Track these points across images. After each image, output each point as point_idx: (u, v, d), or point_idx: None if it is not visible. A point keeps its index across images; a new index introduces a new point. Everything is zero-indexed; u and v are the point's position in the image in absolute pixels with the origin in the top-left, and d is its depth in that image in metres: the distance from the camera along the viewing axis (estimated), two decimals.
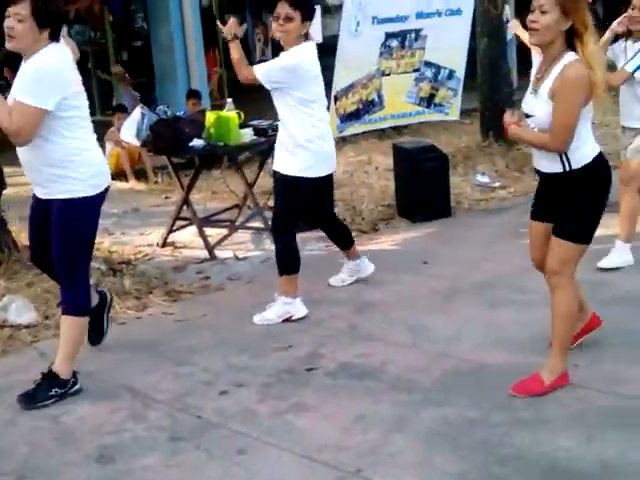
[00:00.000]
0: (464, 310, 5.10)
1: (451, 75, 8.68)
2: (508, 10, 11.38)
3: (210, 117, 6.63)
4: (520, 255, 6.00)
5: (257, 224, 6.84)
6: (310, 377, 4.26)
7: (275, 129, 6.81)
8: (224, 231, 6.84)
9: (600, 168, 3.88)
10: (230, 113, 6.62)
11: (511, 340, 4.56)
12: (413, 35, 8.46)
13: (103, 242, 6.57)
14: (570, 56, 3.69)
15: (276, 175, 5.16)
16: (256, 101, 9.74)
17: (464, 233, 6.82)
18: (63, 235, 4.10)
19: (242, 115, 6.67)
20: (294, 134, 5.03)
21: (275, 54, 5.31)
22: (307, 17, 4.97)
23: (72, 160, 4.04)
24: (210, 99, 11.44)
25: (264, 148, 7.17)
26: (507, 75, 10.30)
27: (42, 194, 4.18)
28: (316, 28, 8.04)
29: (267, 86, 4.99)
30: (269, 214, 7.05)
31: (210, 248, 6.45)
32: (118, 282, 5.74)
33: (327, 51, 8.24)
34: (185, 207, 6.70)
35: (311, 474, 3.37)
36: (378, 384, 4.14)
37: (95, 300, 4.55)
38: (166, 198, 8.31)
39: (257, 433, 3.70)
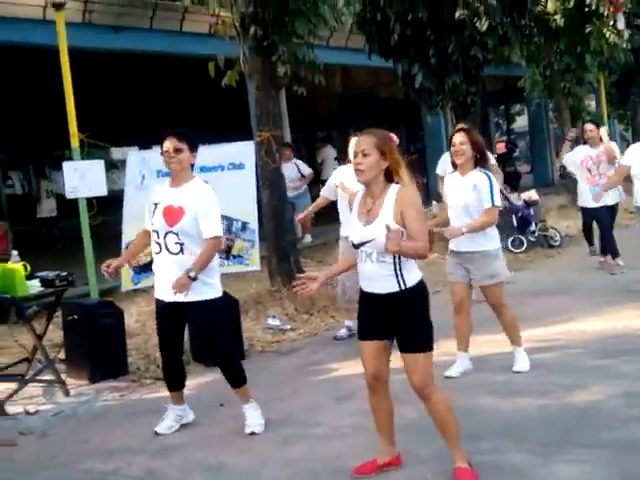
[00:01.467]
0: (261, 448, 5.24)
1: (245, 227, 8.99)
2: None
3: None
4: (311, 391, 6.34)
5: (48, 377, 6.73)
6: None
7: (63, 279, 6.86)
8: (13, 386, 6.66)
9: (424, 284, 4.46)
10: (15, 265, 6.58)
11: (305, 473, 4.74)
12: None
13: None
14: (395, 186, 4.36)
15: (201, 304, 5.38)
16: (43, 253, 9.77)
17: (257, 374, 6.96)
18: None
19: (28, 267, 6.65)
20: (212, 264, 5.45)
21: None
22: (193, 148, 5.46)
23: None
24: None
25: (52, 299, 7.16)
26: (290, 224, 10.86)
27: None
28: (100, 182, 8.24)
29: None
30: (60, 367, 7.01)
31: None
32: None
33: (114, 204, 8.43)
34: None
35: None
36: None
37: None
38: None
39: None
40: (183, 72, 16.46)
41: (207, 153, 8.98)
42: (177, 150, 5.38)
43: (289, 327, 8.55)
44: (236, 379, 5.61)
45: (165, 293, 5.49)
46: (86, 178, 8.17)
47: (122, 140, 18.04)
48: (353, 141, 7.80)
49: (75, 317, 7.21)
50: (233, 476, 4.80)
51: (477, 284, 6.33)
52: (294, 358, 7.47)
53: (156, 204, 5.49)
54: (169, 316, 5.52)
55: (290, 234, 10.57)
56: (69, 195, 8.25)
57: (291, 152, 15.02)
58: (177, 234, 5.37)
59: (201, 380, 6.93)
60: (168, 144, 5.39)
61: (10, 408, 6.34)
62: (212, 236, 5.41)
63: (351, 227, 4.52)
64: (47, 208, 18.27)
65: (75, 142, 8.20)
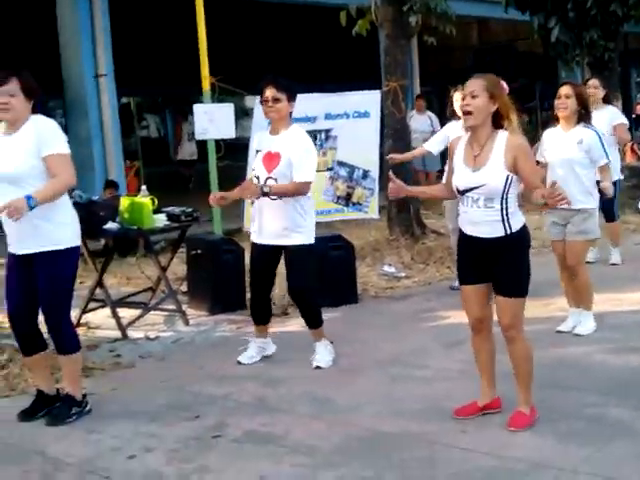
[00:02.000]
0: (366, 384, 5.38)
1: (366, 175, 9.08)
2: None
3: (124, 202, 6.89)
4: (421, 336, 6.41)
5: (170, 306, 7.06)
6: (216, 443, 4.47)
7: (188, 215, 7.14)
8: (137, 312, 7.03)
9: (527, 230, 4.48)
10: (144, 199, 6.88)
11: (408, 411, 4.84)
12: (323, 135, 8.90)
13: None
14: (503, 132, 4.36)
15: (293, 249, 5.61)
16: (173, 193, 10.15)
17: (369, 317, 7.15)
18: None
19: (156, 201, 6.93)
20: (304, 206, 5.62)
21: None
22: (292, 98, 5.59)
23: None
24: (127, 190, 11.68)
25: (177, 235, 7.46)
26: (411, 174, 10.87)
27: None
28: (229, 125, 8.45)
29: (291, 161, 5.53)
30: (182, 298, 7.33)
31: (123, 328, 6.63)
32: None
33: (244, 150, 8.63)
34: (99, 289, 6.88)
35: None
36: (280, 449, 4.36)
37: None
38: (80, 283, 8.39)
39: None
40: (315, 21, 16.53)
41: (333, 101, 9.11)
42: (275, 99, 5.52)
43: (404, 275, 8.61)
44: (314, 321, 5.87)
45: (261, 237, 5.72)
46: (215, 121, 8.39)
47: (256, 88, 18.34)
48: (456, 96, 7.77)
49: (199, 252, 7.50)
50: (338, 409, 4.95)
51: (567, 239, 6.19)
52: (407, 304, 7.55)
53: (258, 151, 5.70)
54: (264, 258, 5.75)
55: (411, 184, 10.56)
56: (198, 136, 8.52)
57: (424, 103, 14.93)
58: (275, 179, 5.55)
59: None
60: (267, 93, 5.54)
61: (132, 333, 6.71)
62: (302, 181, 5.54)
63: (455, 173, 4.52)
64: (188, 151, 18.50)
65: (206, 85, 8.43)
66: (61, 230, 4.71)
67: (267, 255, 5.74)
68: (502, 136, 4.35)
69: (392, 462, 4.13)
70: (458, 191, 4.45)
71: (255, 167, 5.71)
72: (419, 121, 14.42)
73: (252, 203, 5.85)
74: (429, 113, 14.96)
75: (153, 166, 17.73)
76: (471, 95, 4.32)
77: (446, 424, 4.59)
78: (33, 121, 4.71)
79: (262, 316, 5.95)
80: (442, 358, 5.83)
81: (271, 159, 5.59)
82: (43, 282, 4.71)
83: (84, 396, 5.00)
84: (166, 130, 24.31)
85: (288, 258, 5.70)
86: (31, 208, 4.49)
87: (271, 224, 5.62)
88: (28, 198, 4.48)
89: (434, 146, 7.93)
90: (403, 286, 8.30)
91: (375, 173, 9.14)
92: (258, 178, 5.66)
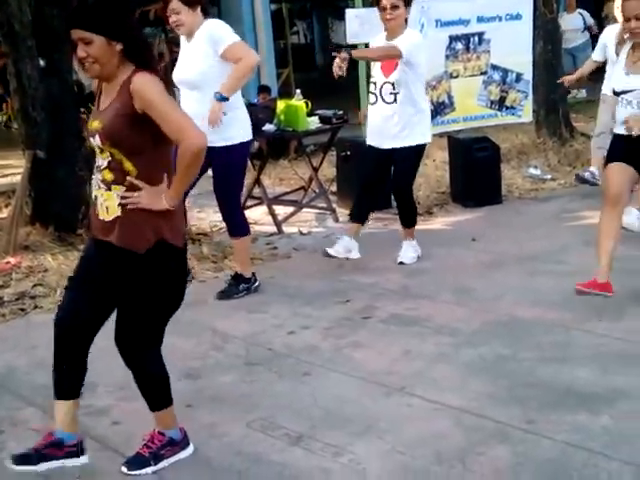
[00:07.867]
0: (506, 277, 5.68)
1: (519, 78, 9.07)
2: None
3: (280, 105, 7.31)
4: (563, 235, 6.60)
5: (321, 204, 7.49)
6: (365, 323, 4.93)
7: (339, 117, 7.49)
8: (291, 209, 7.52)
9: None
10: (299, 102, 7.28)
11: (546, 301, 5.13)
12: (476, 39, 8.90)
13: None
14: None
15: (404, 150, 5.85)
16: (322, 94, 10.47)
17: (512, 217, 7.37)
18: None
19: (309, 104, 7.31)
20: (420, 105, 5.87)
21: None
22: (408, 4, 5.81)
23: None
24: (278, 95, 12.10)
25: (328, 135, 7.83)
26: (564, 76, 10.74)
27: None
28: (380, 29, 8.64)
29: (405, 59, 5.65)
30: (332, 198, 7.75)
31: (278, 223, 7.13)
32: (197, 249, 6.49)
33: None
34: (257, 188, 7.37)
35: (363, 390, 4.03)
36: (424, 330, 4.77)
37: None
38: None
39: (320, 361, 4.39)
40: None
41: (485, 3, 9.08)
42: (394, 7, 5.68)
43: (549, 177, 8.72)
44: (409, 219, 6.14)
45: (378, 140, 5.98)
46: (366, 25, 8.59)
47: None
48: (617, 2, 7.67)
49: (348, 153, 7.85)
50: (477, 297, 5.29)
51: None
52: (550, 205, 7.70)
53: None
54: (378, 160, 6.01)
55: (561, 87, 10.50)
56: (350, 41, 8.72)
57: (574, 2, 14.62)
58: (392, 84, 5.76)
59: (459, 218, 7.44)
60: (385, 1, 5.68)
61: (286, 229, 7.21)
62: (394, 46, 5.63)
63: (614, 74, 4.74)
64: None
65: None
66: (233, 127, 5.19)
67: (383, 158, 5.99)
68: None
69: (529, 343, 4.46)
70: (614, 92, 4.73)
71: (373, 73, 5.91)
72: (569, 20, 14.16)
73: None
74: (580, 10, 14.65)
75: (301, 71, 18.08)
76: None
77: (583, 313, 4.85)
78: (204, 26, 5.16)
79: (360, 214, 6.17)
80: (582, 255, 5.97)
81: (389, 64, 5.75)
82: (217, 173, 5.27)
83: (253, 274, 5.56)
84: (313, 36, 24.56)
85: (399, 159, 5.92)
86: (221, 100, 4.98)
87: (386, 128, 5.86)
88: (215, 94, 4.97)
89: (599, 55, 7.93)
90: (548, 188, 8.42)
91: (528, 76, 9.10)
92: (375, 84, 5.89)
